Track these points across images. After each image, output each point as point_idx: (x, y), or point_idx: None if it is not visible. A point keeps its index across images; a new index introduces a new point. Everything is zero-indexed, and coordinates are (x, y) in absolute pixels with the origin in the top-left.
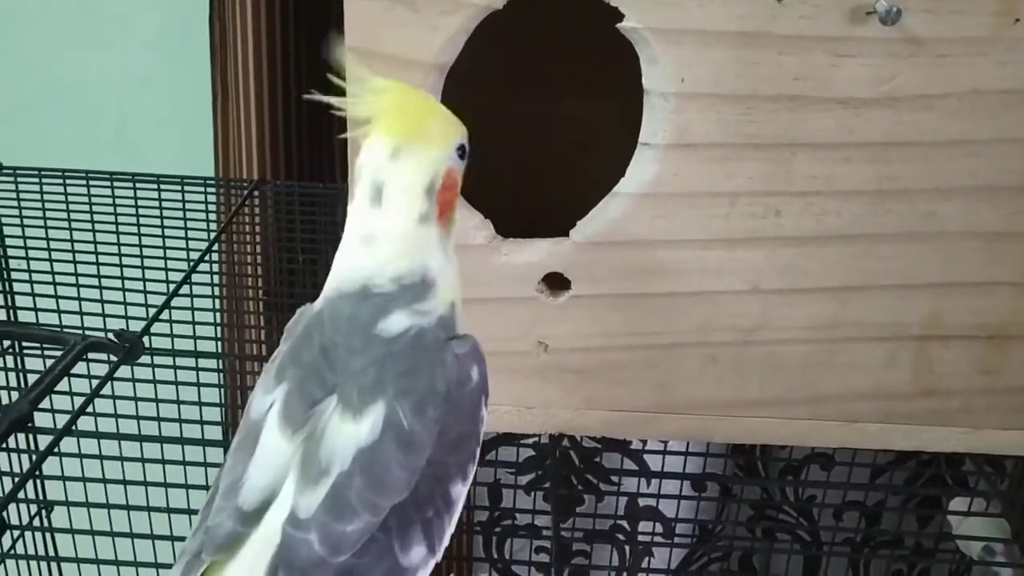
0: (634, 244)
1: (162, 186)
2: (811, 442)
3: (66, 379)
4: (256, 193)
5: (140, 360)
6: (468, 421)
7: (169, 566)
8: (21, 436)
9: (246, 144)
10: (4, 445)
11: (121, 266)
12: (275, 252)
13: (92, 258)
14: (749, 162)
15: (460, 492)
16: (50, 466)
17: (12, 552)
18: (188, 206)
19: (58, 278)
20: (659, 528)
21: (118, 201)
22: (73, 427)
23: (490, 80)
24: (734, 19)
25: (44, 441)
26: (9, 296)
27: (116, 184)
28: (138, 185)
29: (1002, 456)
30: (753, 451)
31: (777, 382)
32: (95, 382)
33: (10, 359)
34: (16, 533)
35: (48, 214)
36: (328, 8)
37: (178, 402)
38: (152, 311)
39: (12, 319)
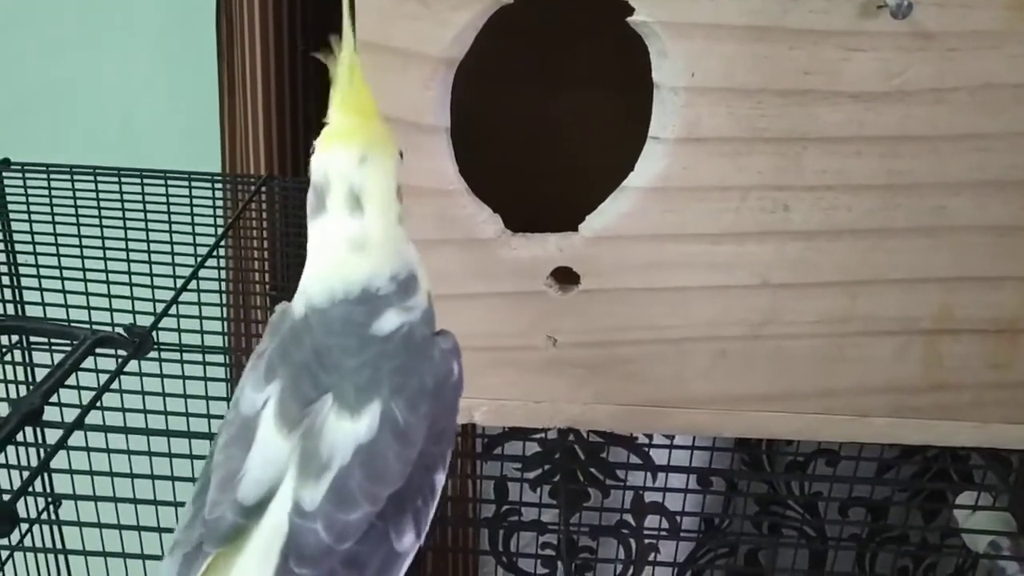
0: (643, 238)
1: (169, 182)
2: (820, 436)
3: (73, 374)
4: (263, 189)
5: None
6: (451, 413)
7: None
8: (29, 429)
9: (252, 140)
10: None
11: (128, 261)
12: (281, 247)
13: (99, 253)
14: (759, 156)
15: (442, 480)
16: (57, 460)
17: (21, 545)
18: (195, 202)
19: (65, 273)
20: (664, 523)
21: (125, 197)
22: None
23: (493, 74)
24: (745, 13)
25: (51, 435)
26: (17, 291)
27: (123, 180)
28: (146, 181)
29: (1008, 451)
30: (759, 446)
31: (786, 376)
32: (102, 376)
33: (17, 353)
34: (25, 527)
35: (56, 210)
36: (335, 5)
37: (184, 396)
38: (159, 306)
39: (20, 314)
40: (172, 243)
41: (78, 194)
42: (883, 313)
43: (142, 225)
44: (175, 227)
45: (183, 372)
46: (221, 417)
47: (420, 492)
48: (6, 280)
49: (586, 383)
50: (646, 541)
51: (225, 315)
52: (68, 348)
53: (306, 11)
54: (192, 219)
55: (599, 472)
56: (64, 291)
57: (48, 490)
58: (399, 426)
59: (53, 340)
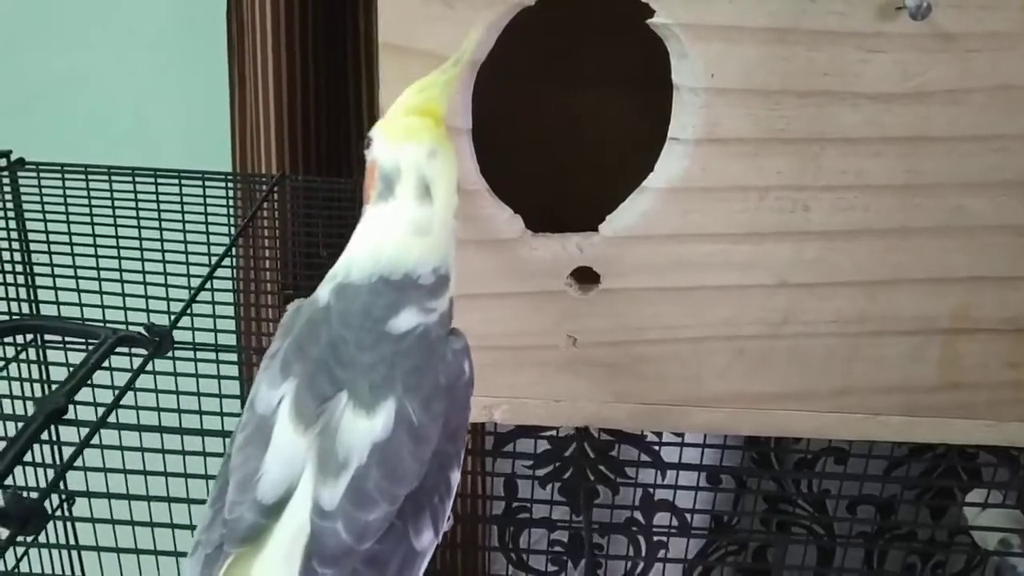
0: (663, 238)
1: (183, 181)
2: (837, 435)
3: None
4: (277, 188)
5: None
6: (463, 412)
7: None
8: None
9: (264, 138)
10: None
11: (143, 260)
12: (293, 246)
13: (113, 252)
14: (778, 157)
15: (457, 478)
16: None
17: (36, 541)
18: (208, 201)
19: (80, 272)
20: (674, 521)
21: (139, 196)
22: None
23: (510, 74)
24: (764, 15)
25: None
26: (32, 290)
27: (137, 179)
28: (160, 180)
29: (1018, 450)
30: (767, 443)
31: (803, 375)
32: (116, 375)
33: (31, 352)
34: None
35: (70, 209)
36: (345, 3)
37: (198, 394)
38: (173, 305)
39: (34, 312)
40: (186, 242)
41: (92, 193)
42: (900, 313)
43: (156, 224)
44: (188, 226)
45: (196, 371)
46: (235, 415)
47: (436, 490)
48: (21, 279)
49: (605, 382)
50: (655, 539)
51: (239, 314)
52: (83, 347)
53: (317, 9)
54: (206, 218)
55: (609, 470)
56: (78, 289)
57: (62, 487)
58: (414, 425)
59: (67, 339)
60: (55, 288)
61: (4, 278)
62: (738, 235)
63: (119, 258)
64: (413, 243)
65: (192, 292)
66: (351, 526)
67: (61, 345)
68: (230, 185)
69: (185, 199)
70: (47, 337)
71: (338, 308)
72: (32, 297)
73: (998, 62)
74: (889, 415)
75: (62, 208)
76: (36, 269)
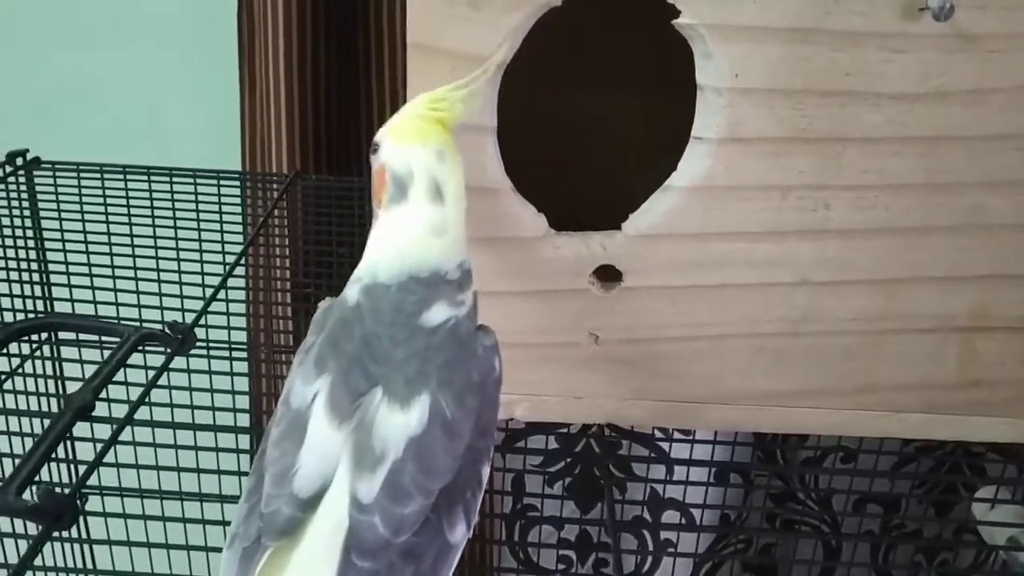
0: (685, 237)
1: (198, 180)
2: (855, 432)
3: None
4: (291, 187)
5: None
6: (493, 408)
7: (200, 548)
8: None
9: (275, 137)
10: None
11: (157, 259)
12: (305, 244)
13: (128, 251)
14: (800, 156)
15: (487, 473)
16: (83, 451)
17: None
18: (223, 200)
19: (94, 271)
20: (682, 520)
21: (154, 195)
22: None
23: (529, 74)
24: (788, 15)
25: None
26: (47, 288)
27: (153, 179)
28: (175, 179)
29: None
30: (774, 441)
31: (823, 373)
32: (130, 371)
33: (46, 349)
34: None
35: (85, 208)
36: (356, 1)
37: (211, 391)
38: (187, 303)
39: (48, 311)
40: (200, 240)
41: (107, 192)
42: (920, 311)
43: (171, 223)
44: (203, 224)
45: (209, 367)
46: (246, 411)
47: (469, 485)
48: (36, 277)
49: (625, 379)
50: (663, 537)
51: (252, 311)
52: (96, 345)
53: (328, 7)
54: (220, 217)
55: (616, 468)
56: (92, 287)
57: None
58: (447, 420)
59: (81, 337)
60: (69, 286)
61: (20, 276)
62: (760, 234)
63: (133, 256)
64: (433, 243)
65: (213, 290)
66: (388, 519)
67: (75, 342)
68: (248, 184)
69: (200, 198)
70: (61, 335)
71: (369, 306)
72: (47, 295)
73: (1019, 62)
74: (908, 412)
75: (77, 207)
76: (51, 268)
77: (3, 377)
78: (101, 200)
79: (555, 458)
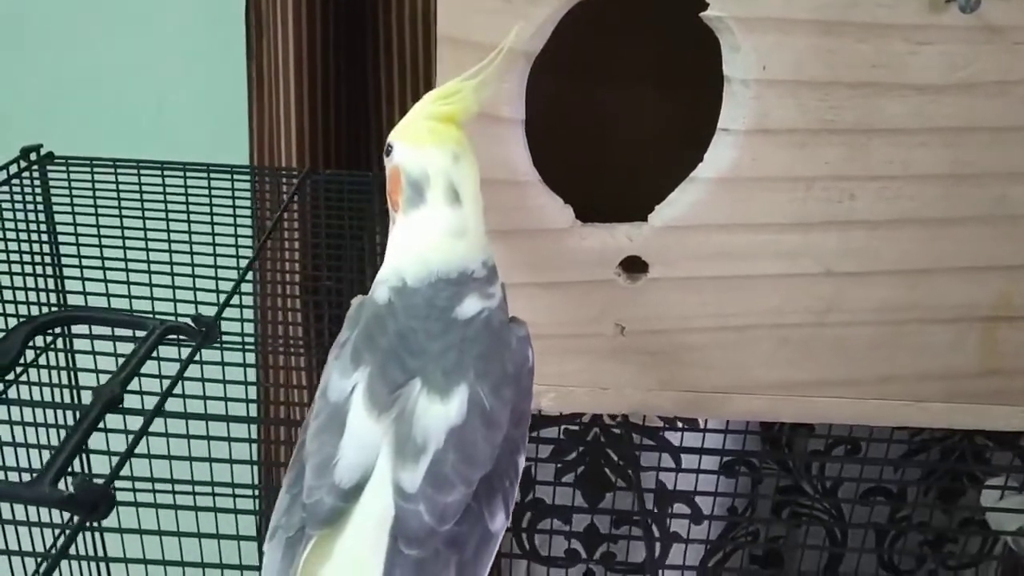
0: (712, 227)
1: (212, 175)
2: (878, 421)
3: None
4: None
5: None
6: (527, 398)
7: (212, 536)
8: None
9: (285, 132)
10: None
11: (170, 251)
12: (314, 238)
13: (141, 245)
14: (826, 147)
15: (523, 462)
16: (96, 441)
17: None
18: (236, 195)
19: (108, 263)
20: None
21: (168, 190)
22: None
23: (552, 67)
24: (815, 7)
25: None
26: (60, 281)
27: (166, 174)
28: (188, 175)
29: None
30: (780, 436)
31: (846, 363)
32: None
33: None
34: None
35: (98, 203)
36: None
37: (223, 381)
38: (200, 295)
39: (62, 306)
40: (213, 234)
41: (121, 187)
42: (943, 301)
43: (184, 218)
44: (216, 219)
45: (222, 358)
46: (253, 401)
47: (507, 474)
48: (50, 271)
49: (651, 370)
50: (671, 530)
51: (261, 304)
52: (109, 338)
53: (337, 2)
54: (234, 212)
55: (622, 460)
56: (105, 279)
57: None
58: (486, 410)
59: (94, 331)
60: (83, 279)
61: (35, 270)
62: (785, 224)
63: (147, 250)
64: (456, 245)
65: (234, 283)
66: (432, 508)
67: (87, 336)
68: (266, 179)
69: (213, 193)
70: (74, 329)
71: (401, 303)
72: (60, 287)
73: None
74: (930, 401)
75: (91, 202)
76: (64, 263)
77: (19, 370)
78: (114, 195)
79: (564, 450)
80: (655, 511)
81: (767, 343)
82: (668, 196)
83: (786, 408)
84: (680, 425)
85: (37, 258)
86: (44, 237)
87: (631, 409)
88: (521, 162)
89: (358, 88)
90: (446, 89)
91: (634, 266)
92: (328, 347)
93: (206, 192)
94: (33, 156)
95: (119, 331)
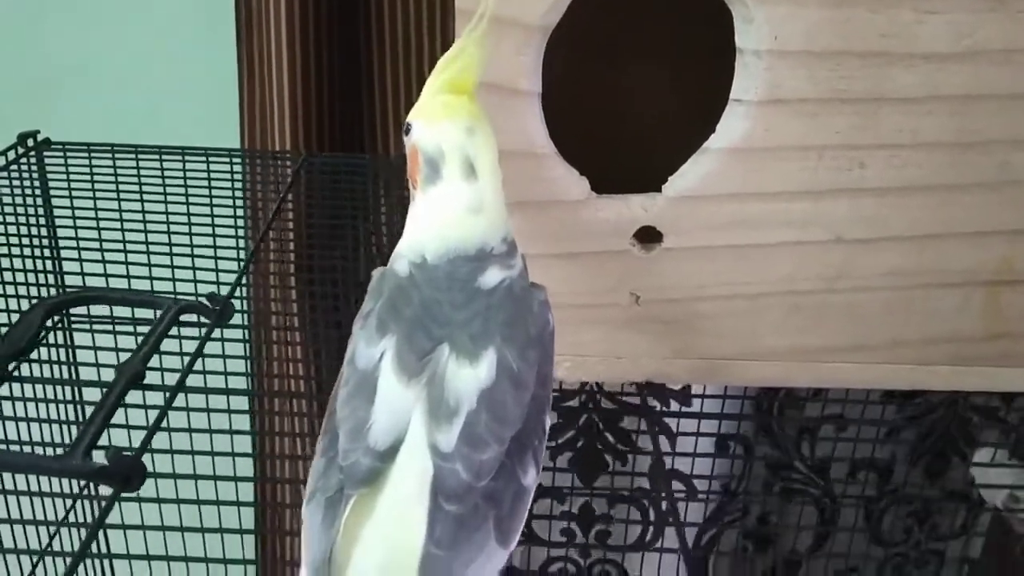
0: (724, 197)
1: (210, 160)
2: (888, 385)
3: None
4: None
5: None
6: (550, 360)
7: (212, 502)
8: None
9: (279, 115)
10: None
11: (169, 233)
12: (308, 218)
13: (140, 228)
14: (837, 116)
15: (550, 421)
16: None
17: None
18: (234, 178)
19: (106, 246)
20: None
21: (166, 175)
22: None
23: (564, 42)
24: None
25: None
26: (58, 263)
27: (164, 159)
28: (187, 159)
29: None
30: (770, 412)
31: (857, 329)
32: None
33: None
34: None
35: (96, 188)
36: None
37: (223, 356)
38: (199, 274)
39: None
40: (212, 215)
41: (119, 172)
42: (948, 266)
43: (183, 201)
44: (215, 203)
45: (222, 334)
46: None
47: (535, 432)
48: (48, 254)
49: (665, 338)
50: (664, 507)
51: (254, 281)
52: (108, 322)
53: None
54: (233, 196)
55: (617, 440)
56: (104, 261)
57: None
58: (514, 372)
59: (93, 315)
60: (80, 260)
61: (33, 254)
62: (796, 193)
63: (145, 233)
64: (474, 221)
65: (243, 263)
66: (469, 465)
67: (86, 318)
68: (265, 162)
69: (212, 177)
70: (73, 312)
71: (422, 277)
72: (58, 268)
73: None
74: (938, 365)
75: (88, 187)
76: (62, 247)
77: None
78: (112, 180)
79: (555, 431)
80: (651, 491)
81: (779, 310)
82: (681, 167)
83: (799, 374)
84: (676, 408)
85: (36, 242)
86: (42, 222)
87: (645, 377)
88: (538, 134)
89: (351, 71)
90: (450, 52)
91: (649, 236)
92: (322, 325)
93: (204, 176)
94: (30, 142)
95: (117, 313)
